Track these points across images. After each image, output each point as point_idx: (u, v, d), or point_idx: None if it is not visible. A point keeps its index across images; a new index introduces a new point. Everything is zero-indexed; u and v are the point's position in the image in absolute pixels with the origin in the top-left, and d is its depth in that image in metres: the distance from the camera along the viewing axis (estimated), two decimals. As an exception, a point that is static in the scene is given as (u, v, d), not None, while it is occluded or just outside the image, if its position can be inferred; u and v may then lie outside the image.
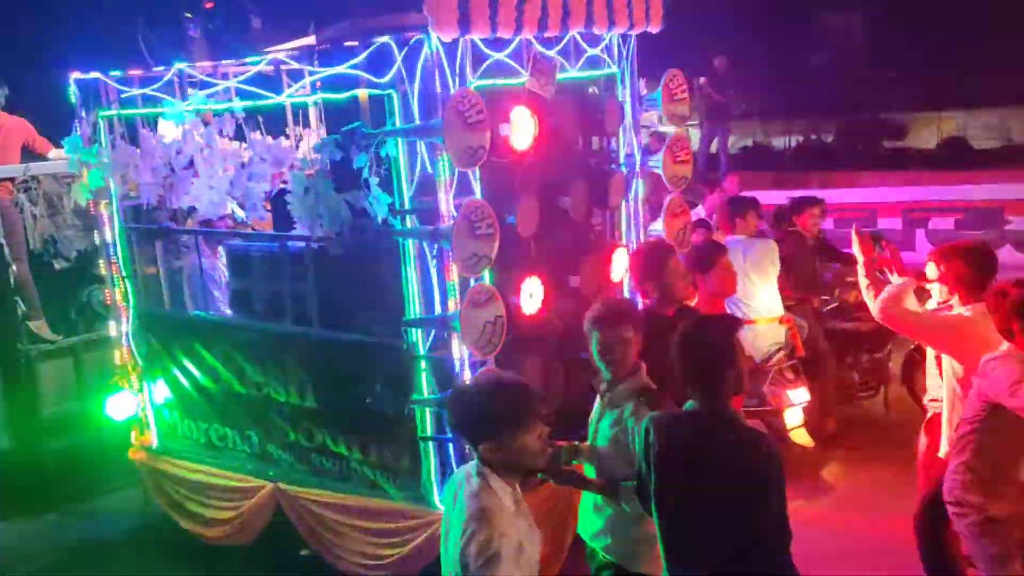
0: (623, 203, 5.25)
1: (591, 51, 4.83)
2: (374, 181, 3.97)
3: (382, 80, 3.96)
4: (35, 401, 6.50)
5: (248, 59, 4.38)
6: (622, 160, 5.22)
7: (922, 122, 18.83)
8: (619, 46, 5.10)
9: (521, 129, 4.20)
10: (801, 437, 5.86)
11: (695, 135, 17.46)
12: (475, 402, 2.73)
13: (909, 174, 14.41)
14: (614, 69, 5.10)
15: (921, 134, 18.12)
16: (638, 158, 5.32)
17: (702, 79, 14.43)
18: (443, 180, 3.94)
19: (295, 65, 4.22)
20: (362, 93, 4.08)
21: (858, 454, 6.26)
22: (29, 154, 6.56)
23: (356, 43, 4.01)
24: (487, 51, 4.11)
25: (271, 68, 4.31)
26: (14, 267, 6.33)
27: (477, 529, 2.54)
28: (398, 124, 3.96)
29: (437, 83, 3.87)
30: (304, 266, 4.55)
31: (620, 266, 5.13)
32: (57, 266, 6.72)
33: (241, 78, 4.42)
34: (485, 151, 3.83)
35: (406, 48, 3.87)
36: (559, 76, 4.52)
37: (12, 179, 6.36)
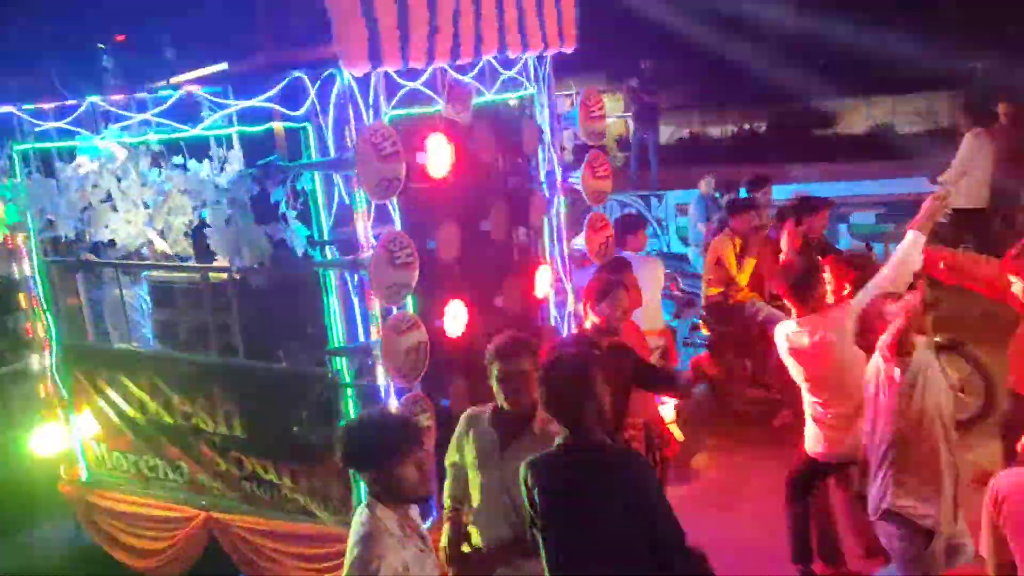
0: (545, 220, 5.36)
1: (506, 74, 4.93)
2: (292, 214, 4.00)
3: (297, 113, 4.00)
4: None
5: (162, 91, 4.37)
6: (543, 178, 5.33)
7: (851, 109, 19.31)
8: (535, 67, 5.20)
9: (438, 156, 4.27)
10: (675, 430, 5.95)
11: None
12: (356, 436, 2.87)
13: (836, 166, 14.67)
14: (531, 90, 5.20)
15: (850, 121, 18.55)
16: (559, 175, 5.43)
17: (633, 81, 14.75)
18: (361, 211, 3.99)
19: (209, 97, 4.22)
20: (277, 126, 4.10)
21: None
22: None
23: (270, 76, 4.04)
24: (401, 81, 4.17)
25: (187, 95, 4.30)
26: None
27: (358, 553, 2.76)
28: (314, 157, 4.00)
29: (351, 116, 3.92)
30: (227, 297, 4.56)
31: (544, 283, 5.24)
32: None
33: (155, 111, 4.40)
34: (400, 182, 3.89)
35: (319, 82, 3.91)
36: (476, 100, 4.61)
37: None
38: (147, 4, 4.42)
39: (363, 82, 3.97)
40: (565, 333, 5.51)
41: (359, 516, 2.85)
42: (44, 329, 5.39)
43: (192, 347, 4.83)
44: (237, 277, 4.45)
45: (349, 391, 4.22)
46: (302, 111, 3.98)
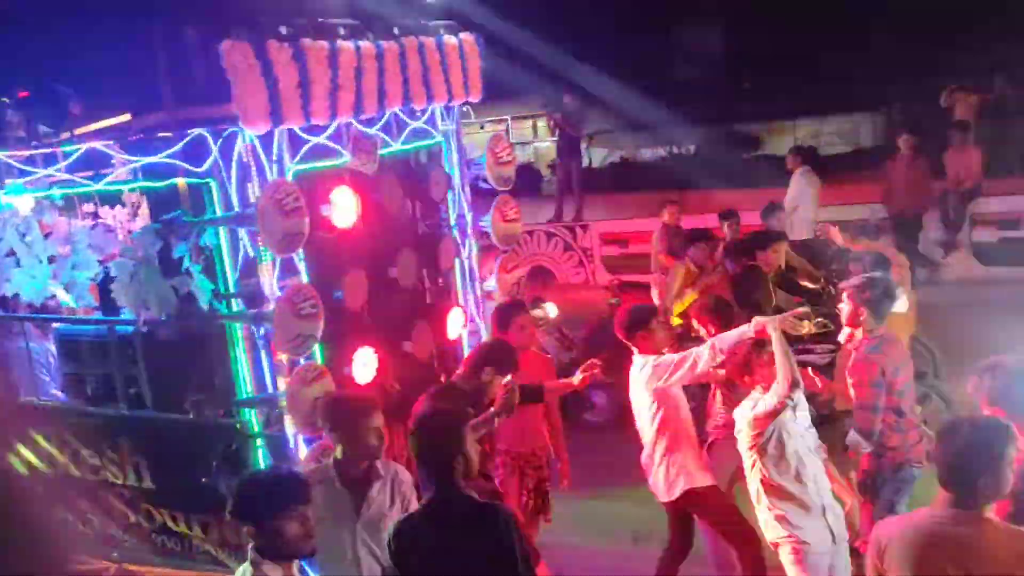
0: (457, 263, 5.49)
1: (413, 124, 5.06)
2: (196, 268, 4.05)
3: (200, 169, 4.06)
4: None
5: (66, 145, 4.38)
6: (453, 222, 5.46)
7: (777, 131, 19.64)
8: (442, 116, 5.35)
9: (343, 208, 4.37)
10: None
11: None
12: (242, 490, 2.93)
13: (758, 192, 15.16)
14: (439, 138, 5.34)
15: (775, 144, 18.68)
16: (469, 219, 5.57)
17: (557, 114, 15.00)
18: (265, 263, 4.06)
19: (114, 152, 4.25)
20: (181, 182, 4.16)
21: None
22: None
23: (171, 133, 4.09)
24: (305, 136, 4.26)
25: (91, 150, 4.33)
26: None
27: None
28: (218, 212, 4.06)
29: (254, 172, 4.00)
30: (134, 350, 4.56)
31: (456, 325, 5.35)
32: None
33: (59, 165, 4.42)
34: (303, 236, 3.98)
35: (221, 139, 3.98)
36: (383, 151, 4.73)
37: None
38: (51, 61, 4.43)
39: (266, 138, 4.06)
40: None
41: (241, 572, 2.88)
42: (-51, 384, 5.29)
43: (100, 400, 4.81)
44: (144, 330, 4.45)
45: (258, 441, 4.27)
46: (205, 167, 4.05)
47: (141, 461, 4.66)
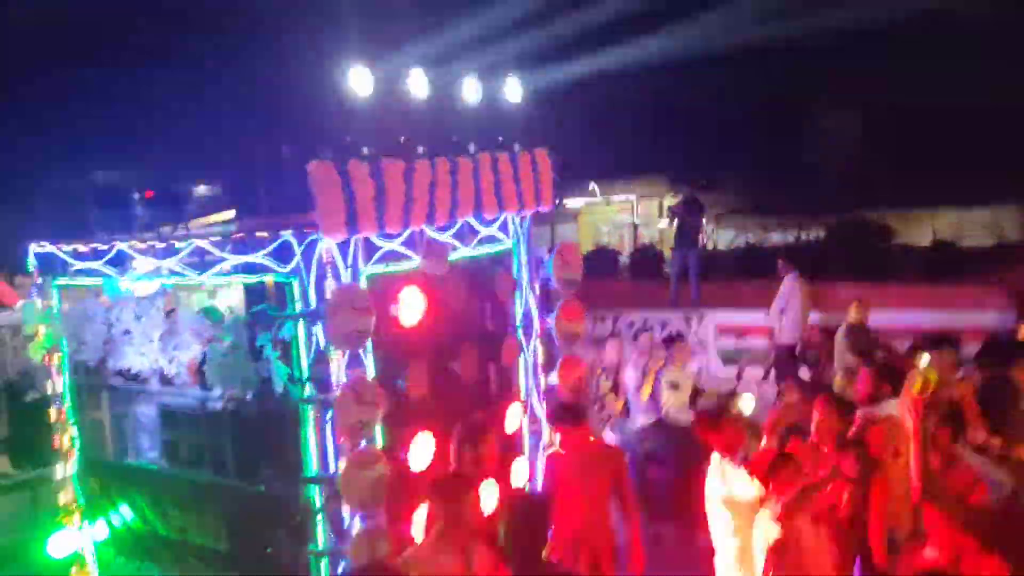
0: (521, 359, 5.85)
1: (485, 231, 5.52)
2: (275, 355, 4.57)
3: (286, 269, 4.61)
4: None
5: (176, 244, 5.04)
6: (519, 321, 5.85)
7: (914, 220, 18.70)
8: (514, 223, 5.79)
9: (410, 307, 4.83)
10: None
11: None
12: None
13: (889, 288, 13.66)
14: (509, 244, 5.77)
15: (911, 234, 17.75)
16: (536, 318, 5.95)
17: (675, 204, 14.99)
18: (335, 355, 4.54)
19: (215, 251, 4.88)
20: (269, 279, 4.72)
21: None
22: None
23: (266, 235, 4.68)
24: (379, 243, 4.77)
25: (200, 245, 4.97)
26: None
27: None
28: (298, 308, 4.58)
29: (329, 274, 4.51)
30: (222, 423, 5.11)
31: (515, 418, 5.69)
32: (29, 398, 7.23)
33: (172, 260, 5.07)
34: (368, 335, 4.44)
35: (304, 243, 4.53)
36: (452, 255, 5.20)
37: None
38: (173, 166, 5.14)
39: (344, 244, 4.58)
40: (540, 466, 5.95)
41: None
42: (69, 441, 5.99)
43: (190, 465, 5.36)
44: (231, 407, 5.00)
45: (319, 516, 4.68)
46: (290, 267, 4.59)
47: (220, 524, 5.16)
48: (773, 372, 11.63)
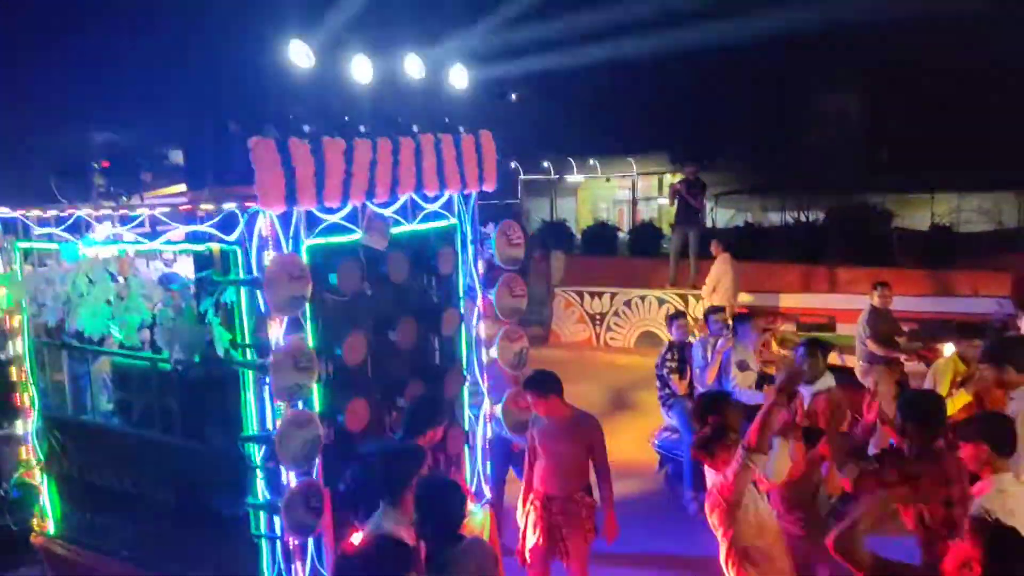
0: (463, 330, 6.14)
1: (429, 208, 5.78)
2: (216, 320, 4.84)
3: (230, 238, 4.88)
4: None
5: (131, 213, 5.29)
6: (462, 294, 6.13)
7: (913, 205, 18.81)
8: (458, 202, 6.05)
9: (347, 279, 5.09)
10: None
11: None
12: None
13: (884, 271, 13.49)
14: (454, 221, 6.04)
15: (911, 218, 17.85)
16: (479, 291, 6.23)
17: (676, 183, 15.05)
18: (274, 320, 4.81)
19: (166, 220, 5.14)
20: (215, 247, 4.98)
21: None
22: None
23: (212, 207, 4.94)
24: (320, 215, 5.03)
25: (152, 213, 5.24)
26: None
27: None
28: (241, 275, 4.85)
29: (270, 244, 4.78)
30: (171, 384, 5.39)
31: (455, 385, 6.01)
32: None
33: (126, 228, 5.33)
34: (304, 301, 4.71)
35: (247, 214, 4.79)
36: (396, 231, 5.46)
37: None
38: (129, 139, 5.38)
39: (285, 216, 4.84)
40: (479, 431, 6.26)
41: None
42: (29, 400, 6.27)
43: (141, 424, 5.64)
44: (178, 368, 5.27)
45: (258, 472, 4.98)
46: (234, 236, 4.85)
47: (167, 480, 5.45)
48: None
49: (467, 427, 6.22)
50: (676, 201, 14.41)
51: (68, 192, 5.78)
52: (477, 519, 6.18)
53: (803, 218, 19.24)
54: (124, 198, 5.58)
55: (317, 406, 5.01)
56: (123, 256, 5.49)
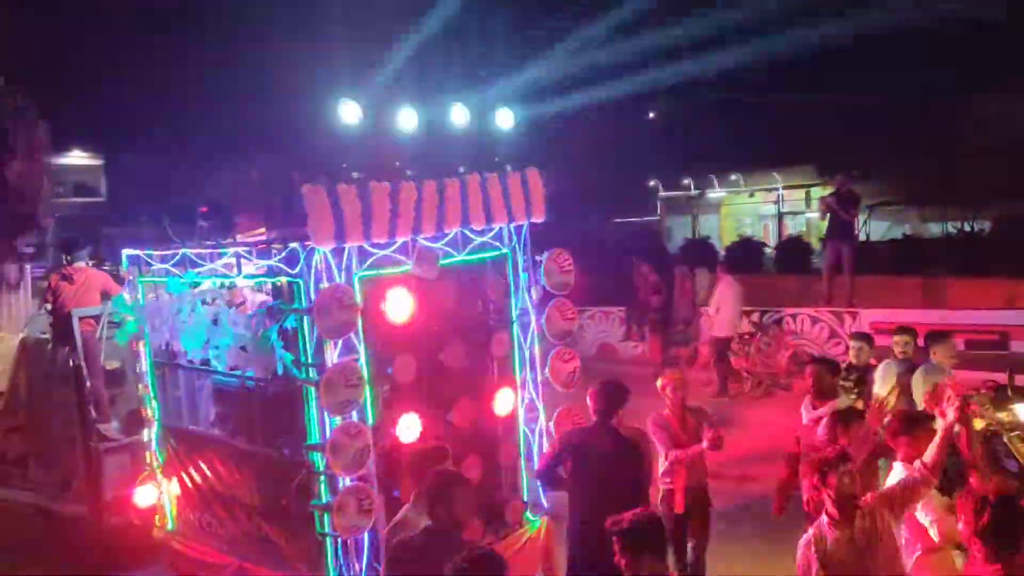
0: (516, 352, 6.66)
1: (478, 240, 6.35)
2: (279, 344, 5.60)
3: (293, 272, 5.64)
4: (101, 486, 8.41)
5: (221, 250, 6.17)
6: (515, 318, 6.65)
7: None
8: (509, 232, 6.59)
9: (397, 305, 5.74)
10: None
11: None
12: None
13: None
14: (505, 251, 6.58)
15: None
16: (532, 316, 6.73)
17: (827, 196, 14.47)
18: (328, 343, 5.51)
19: (246, 256, 5.97)
20: (282, 280, 5.75)
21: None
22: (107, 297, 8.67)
23: (280, 245, 5.72)
24: (371, 249, 5.70)
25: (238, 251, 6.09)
26: (90, 384, 8.34)
27: None
28: (303, 304, 5.59)
29: (324, 277, 5.49)
30: (253, 399, 6.21)
31: (505, 403, 6.52)
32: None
33: (219, 263, 6.21)
34: (353, 326, 5.39)
35: (305, 251, 5.53)
36: (446, 261, 6.07)
37: (94, 316, 8.45)
38: (220, 188, 6.27)
39: (339, 251, 5.55)
40: (535, 447, 6.75)
41: None
42: (151, 411, 7.29)
43: (234, 434, 6.49)
44: (259, 386, 6.08)
45: (320, 477, 5.68)
46: (296, 270, 5.61)
47: (254, 482, 6.26)
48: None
49: (523, 441, 6.72)
50: (827, 215, 13.94)
51: (179, 233, 6.76)
52: (532, 527, 6.67)
53: (967, 228, 18.31)
54: (220, 239, 6.49)
55: (370, 419, 5.66)
56: (235, 288, 6.36)
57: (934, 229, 22.38)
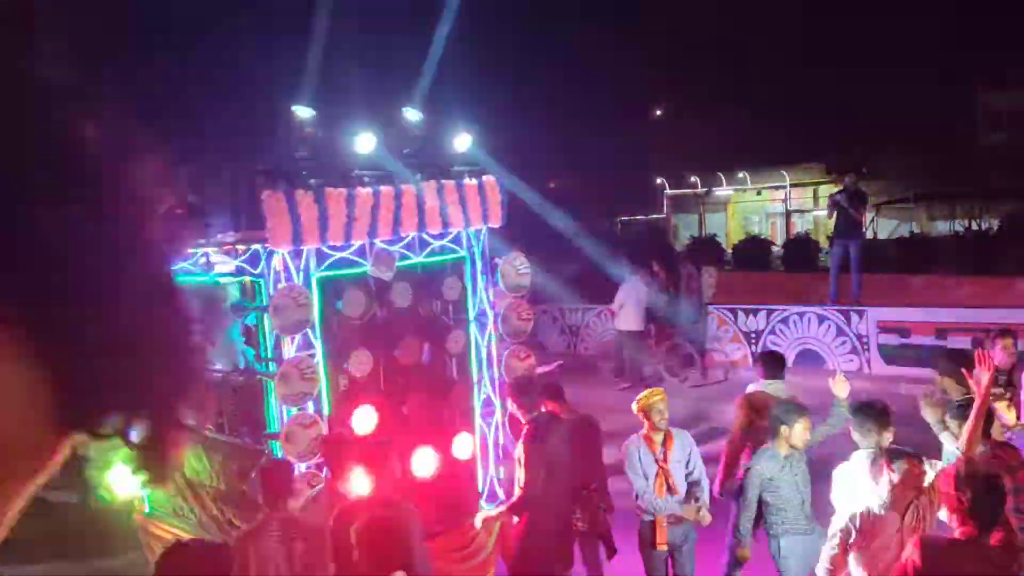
0: (473, 350, 7.00)
1: (435, 243, 6.70)
2: (240, 339, 5.97)
3: (256, 272, 6.00)
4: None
5: (191, 251, 6.54)
6: (472, 317, 6.99)
7: None
8: (468, 237, 6.93)
9: (353, 304, 6.10)
10: None
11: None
12: None
13: None
14: (463, 253, 6.92)
15: None
16: (490, 315, 7.07)
17: (835, 194, 14.39)
18: (286, 339, 5.87)
19: (218, 258, 6.34)
20: (247, 280, 6.12)
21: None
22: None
23: (244, 247, 6.09)
24: (328, 251, 6.06)
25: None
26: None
27: None
28: (263, 303, 5.95)
29: (283, 277, 5.85)
30: (221, 392, 6.58)
31: (464, 396, 6.88)
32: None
33: (188, 263, 6.58)
34: (307, 324, 5.75)
35: (266, 253, 5.89)
36: (404, 263, 6.41)
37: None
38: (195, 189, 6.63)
39: (297, 253, 5.91)
40: (490, 441, 7.08)
41: None
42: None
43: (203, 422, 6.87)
44: (224, 378, 6.46)
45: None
46: (259, 270, 5.98)
47: (219, 470, 6.64)
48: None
49: (479, 434, 7.06)
50: (835, 213, 13.86)
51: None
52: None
53: (975, 226, 18.24)
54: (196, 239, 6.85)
55: (326, 410, 6.02)
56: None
57: (942, 227, 22.30)
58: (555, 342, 16.85)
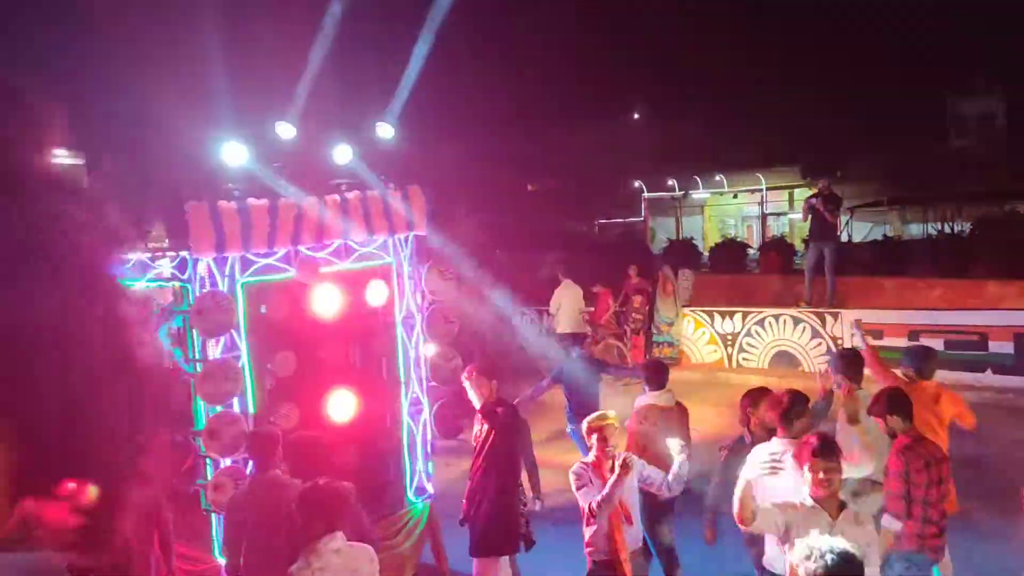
0: (401, 352, 7.36)
1: (361, 250, 7.05)
2: (167, 340, 6.32)
3: (184, 277, 6.35)
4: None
5: (127, 256, 6.88)
6: (399, 320, 7.35)
7: None
8: (395, 243, 7.29)
9: (277, 308, 6.46)
10: None
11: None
12: None
13: None
14: (389, 260, 7.28)
15: None
16: (418, 319, 7.43)
17: (810, 197, 14.64)
18: (212, 341, 6.22)
19: (150, 263, 6.69)
20: (176, 285, 6.47)
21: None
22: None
23: (173, 253, 6.44)
24: (253, 258, 6.41)
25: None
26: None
27: None
28: (186, 307, 6.31)
29: (207, 283, 6.21)
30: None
31: (384, 396, 7.24)
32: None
33: (128, 267, 6.93)
34: (230, 327, 6.10)
35: (192, 259, 6.24)
36: (329, 268, 6.77)
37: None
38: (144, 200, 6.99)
39: (222, 259, 6.26)
40: (418, 437, 7.45)
41: None
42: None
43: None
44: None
45: (206, 459, 6.40)
46: (186, 275, 6.33)
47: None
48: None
49: (406, 431, 7.42)
50: (810, 216, 14.12)
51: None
52: (416, 510, 7.38)
53: (947, 230, 18.43)
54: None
55: (251, 408, 6.38)
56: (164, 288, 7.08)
57: (915, 230, 22.72)
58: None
